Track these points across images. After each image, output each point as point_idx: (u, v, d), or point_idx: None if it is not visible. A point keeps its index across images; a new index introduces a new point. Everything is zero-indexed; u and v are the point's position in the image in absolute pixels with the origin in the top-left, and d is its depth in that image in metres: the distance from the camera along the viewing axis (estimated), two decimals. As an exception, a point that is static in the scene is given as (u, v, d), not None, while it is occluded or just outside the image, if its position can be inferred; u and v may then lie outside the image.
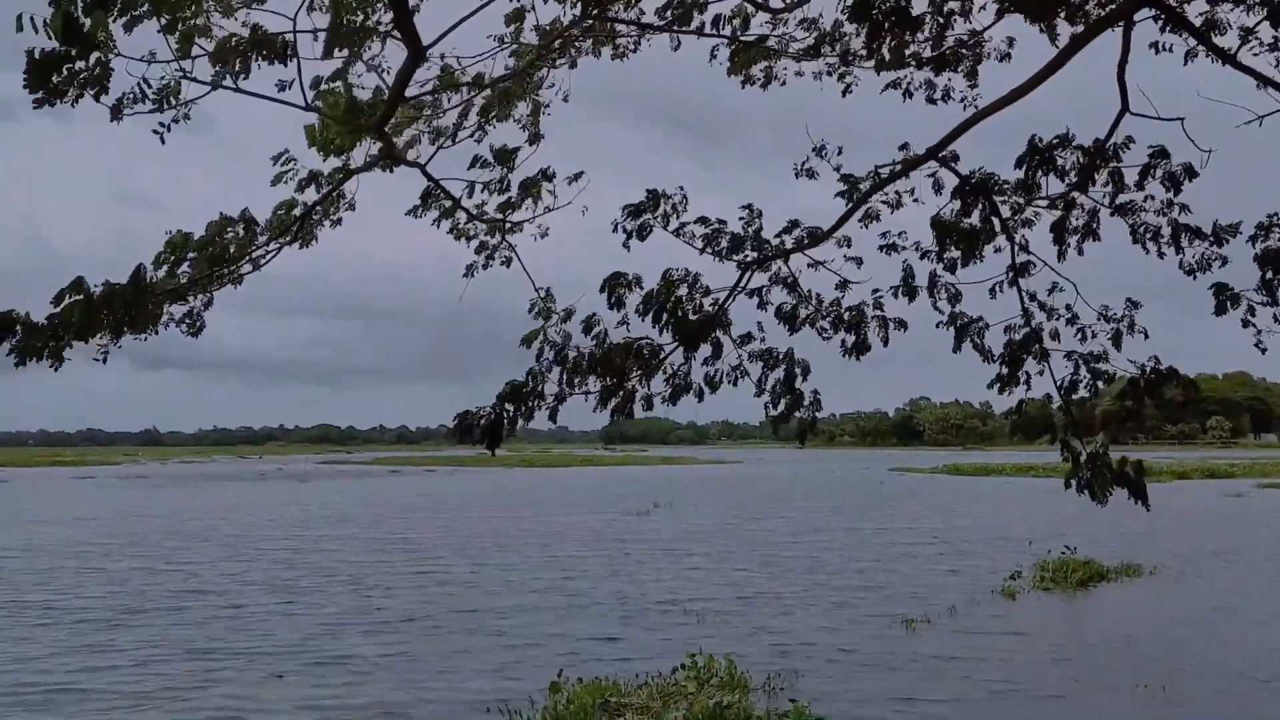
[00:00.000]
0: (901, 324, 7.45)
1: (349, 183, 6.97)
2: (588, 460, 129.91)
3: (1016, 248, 7.67)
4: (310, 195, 6.92)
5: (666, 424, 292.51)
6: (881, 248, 7.80)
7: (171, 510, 47.04)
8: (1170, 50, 7.61)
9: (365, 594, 20.56)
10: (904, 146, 7.53)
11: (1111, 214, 7.52)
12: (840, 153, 7.64)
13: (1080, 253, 7.59)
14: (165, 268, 6.20)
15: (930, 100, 8.02)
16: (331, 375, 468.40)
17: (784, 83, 7.89)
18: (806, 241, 7.36)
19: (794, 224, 7.40)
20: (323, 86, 6.36)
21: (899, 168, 7.47)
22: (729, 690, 11.98)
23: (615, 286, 6.90)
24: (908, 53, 7.55)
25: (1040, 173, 7.36)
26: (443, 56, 6.87)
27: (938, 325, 7.68)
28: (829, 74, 7.87)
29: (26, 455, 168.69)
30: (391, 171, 6.94)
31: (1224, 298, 7.26)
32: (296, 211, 6.83)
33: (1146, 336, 7.53)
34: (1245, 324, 7.23)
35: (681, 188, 7.23)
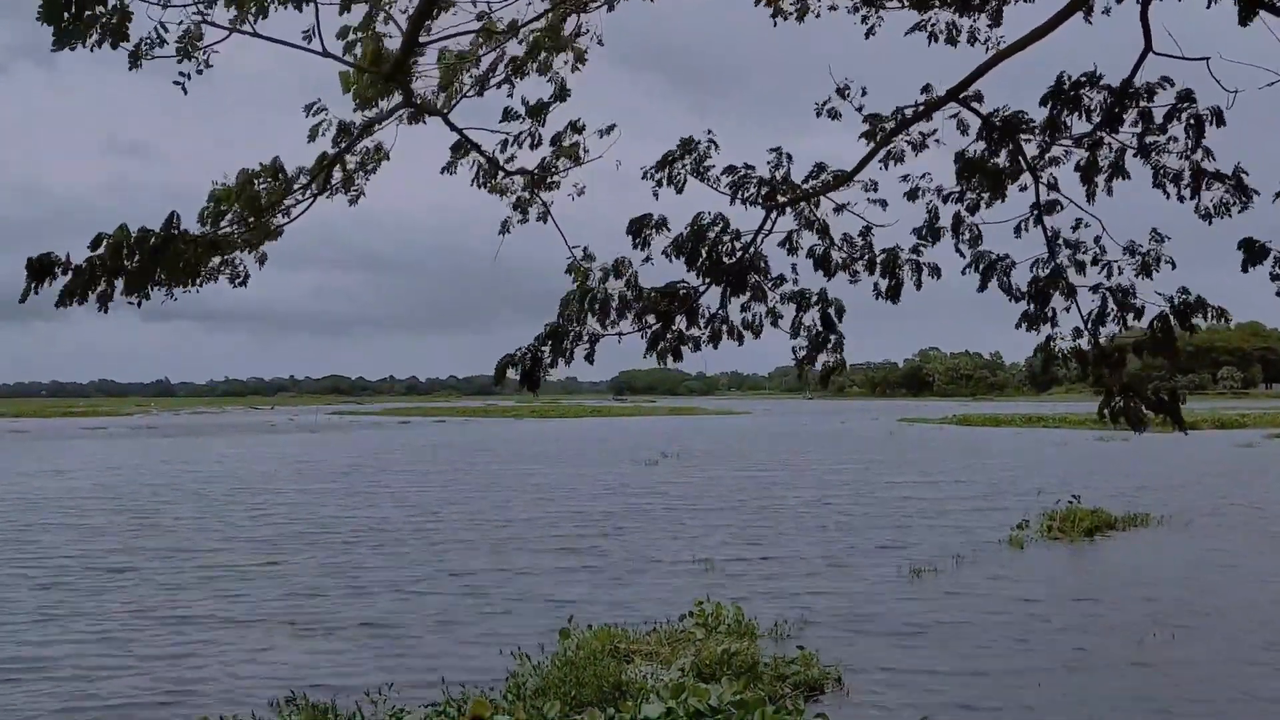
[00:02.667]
0: (935, 270, 7.35)
1: (385, 133, 6.86)
2: (598, 411, 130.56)
3: (1042, 186, 7.52)
4: (326, 144, 6.78)
5: (676, 375, 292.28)
6: (905, 194, 7.66)
7: (183, 463, 47.50)
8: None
9: (357, 550, 20.45)
10: (926, 89, 7.38)
11: (1135, 155, 7.35)
12: (864, 94, 7.50)
13: (1109, 193, 7.43)
14: (210, 221, 6.10)
15: (951, 42, 7.80)
16: (341, 326, 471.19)
17: (818, 15, 7.68)
18: (831, 182, 7.25)
19: (821, 167, 7.28)
20: (350, 37, 6.21)
21: (922, 108, 7.30)
22: (736, 637, 12.10)
23: (641, 228, 6.86)
24: None
25: (1066, 112, 7.18)
26: (474, 3, 6.68)
27: (963, 271, 7.54)
28: (857, 9, 7.63)
29: (39, 406, 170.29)
30: (413, 123, 6.80)
31: (1252, 252, 7.08)
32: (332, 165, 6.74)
33: (1174, 266, 7.39)
34: (1274, 277, 7.07)
35: (710, 131, 7.14)
